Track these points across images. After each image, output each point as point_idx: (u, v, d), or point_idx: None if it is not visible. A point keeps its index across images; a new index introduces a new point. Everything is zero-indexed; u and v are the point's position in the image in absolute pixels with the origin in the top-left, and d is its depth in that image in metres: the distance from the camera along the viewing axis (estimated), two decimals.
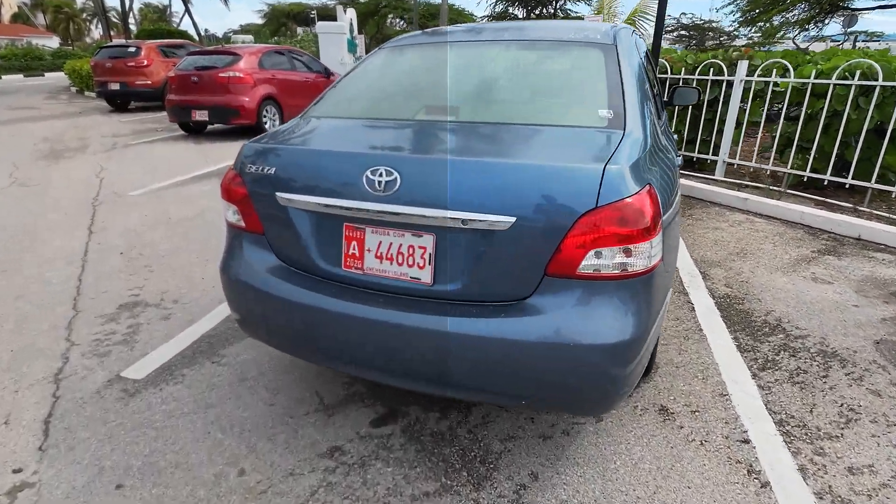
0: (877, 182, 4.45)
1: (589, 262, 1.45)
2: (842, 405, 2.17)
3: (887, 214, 4.29)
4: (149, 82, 12.11)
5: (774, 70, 5.02)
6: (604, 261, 1.45)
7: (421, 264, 1.60)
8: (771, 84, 5.12)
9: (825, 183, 4.82)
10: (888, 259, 3.69)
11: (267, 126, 8.88)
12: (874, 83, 4.31)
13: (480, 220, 1.47)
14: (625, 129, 1.72)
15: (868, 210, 4.44)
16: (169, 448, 1.95)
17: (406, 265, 1.62)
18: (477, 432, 2.03)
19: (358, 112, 2.16)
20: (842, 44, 16.43)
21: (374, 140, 1.77)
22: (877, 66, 4.31)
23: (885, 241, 3.92)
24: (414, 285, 1.62)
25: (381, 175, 1.57)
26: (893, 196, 4.59)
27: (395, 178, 1.55)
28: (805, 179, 4.97)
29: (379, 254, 1.65)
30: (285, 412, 2.14)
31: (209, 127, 9.89)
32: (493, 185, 1.48)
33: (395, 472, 1.84)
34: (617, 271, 1.46)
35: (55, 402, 2.22)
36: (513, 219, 1.45)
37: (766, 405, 2.18)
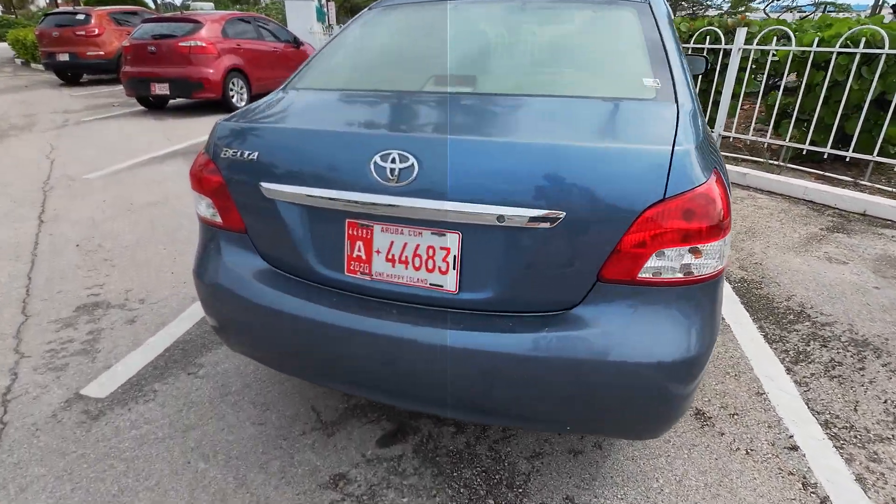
0: (877, 155, 4.33)
1: (652, 265, 1.20)
2: (886, 401, 2.02)
3: (891, 189, 4.19)
4: (101, 53, 11.22)
5: (775, 38, 4.81)
6: (668, 263, 1.20)
7: (443, 268, 1.33)
8: (771, 53, 4.92)
9: (825, 156, 4.69)
10: None
11: (234, 100, 8.31)
12: (880, 51, 4.15)
13: (522, 216, 1.20)
14: (677, 102, 1.45)
15: (869, 184, 4.33)
16: (142, 484, 1.66)
17: (424, 269, 1.34)
18: (499, 449, 1.80)
19: (353, 83, 1.82)
20: (813, 14, 16.42)
21: (379, 117, 1.46)
22: (882, 32, 4.14)
23: (891, 217, 3.81)
24: (434, 293, 1.35)
25: (393, 161, 1.27)
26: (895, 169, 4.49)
27: (412, 165, 1.26)
28: (804, 153, 4.83)
29: (390, 256, 1.37)
30: (278, 433, 1.86)
31: (171, 101, 9.24)
32: (536, 173, 1.20)
33: (412, 503, 1.60)
34: (681, 275, 1.22)
35: (2, 429, 1.89)
36: (561, 213, 1.19)
37: (806, 404, 2.01)
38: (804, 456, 1.76)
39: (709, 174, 1.21)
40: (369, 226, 1.37)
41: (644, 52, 1.64)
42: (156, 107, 8.83)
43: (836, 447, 1.80)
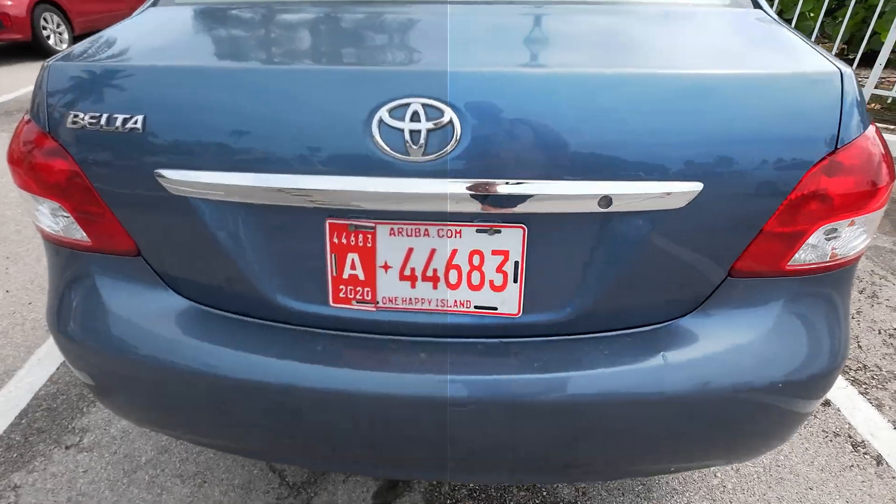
0: None
1: (812, 244, 0.84)
2: (880, 332, 1.99)
3: None
4: None
5: None
6: (822, 242, 0.85)
7: (497, 282, 0.86)
8: None
9: None
10: None
11: (51, 42, 6.51)
12: None
13: (641, 196, 0.75)
14: (760, 7, 1.08)
15: None
16: None
17: (466, 286, 0.86)
18: None
19: None
20: None
21: (366, 41, 0.88)
22: None
23: None
24: (484, 320, 0.88)
25: (415, 117, 0.74)
26: None
27: (449, 123, 0.74)
28: None
29: (408, 272, 0.86)
30: None
31: None
32: (655, 124, 0.75)
33: None
34: (828, 259, 0.87)
35: None
36: (698, 186, 0.76)
37: None
38: (839, 411, 1.64)
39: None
40: (368, 228, 0.83)
41: None
42: None
43: (861, 393, 1.71)
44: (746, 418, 0.90)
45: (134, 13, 1.15)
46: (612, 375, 0.85)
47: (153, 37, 0.97)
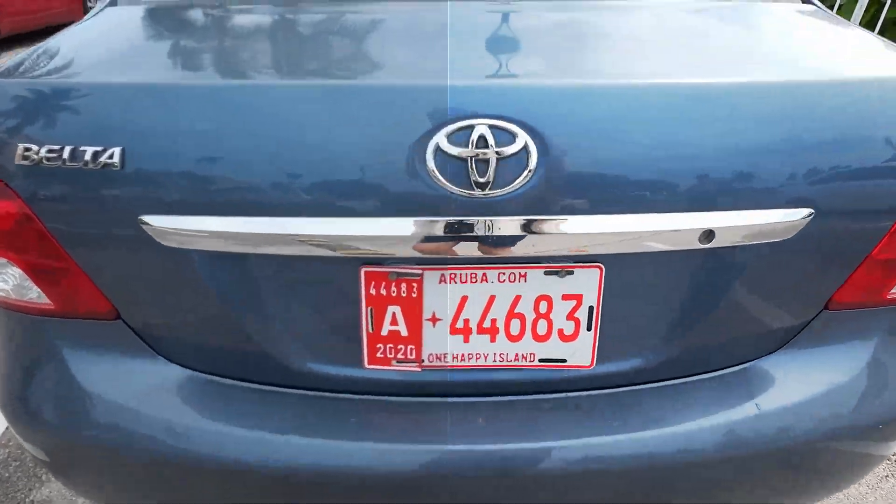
0: None
1: None
2: None
3: None
4: None
5: None
6: None
7: (567, 330, 0.72)
8: None
9: None
10: None
11: None
12: None
13: (748, 228, 0.64)
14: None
15: None
16: None
17: (531, 337, 0.72)
18: None
19: None
20: None
21: (400, 49, 0.72)
22: None
23: None
24: (550, 375, 0.75)
25: (481, 143, 0.59)
26: None
27: (524, 149, 0.60)
28: None
29: (461, 324, 0.72)
30: None
31: None
32: (760, 144, 0.64)
33: None
34: None
35: None
36: (806, 212, 0.65)
37: None
38: None
39: None
40: (414, 276, 0.68)
41: None
42: None
43: None
44: (839, 462, 0.81)
45: (88, 14, 0.95)
46: (706, 429, 0.73)
47: (121, 44, 0.78)
